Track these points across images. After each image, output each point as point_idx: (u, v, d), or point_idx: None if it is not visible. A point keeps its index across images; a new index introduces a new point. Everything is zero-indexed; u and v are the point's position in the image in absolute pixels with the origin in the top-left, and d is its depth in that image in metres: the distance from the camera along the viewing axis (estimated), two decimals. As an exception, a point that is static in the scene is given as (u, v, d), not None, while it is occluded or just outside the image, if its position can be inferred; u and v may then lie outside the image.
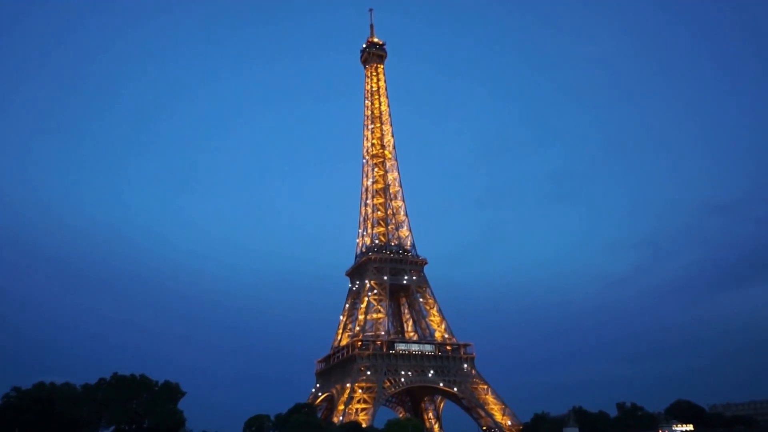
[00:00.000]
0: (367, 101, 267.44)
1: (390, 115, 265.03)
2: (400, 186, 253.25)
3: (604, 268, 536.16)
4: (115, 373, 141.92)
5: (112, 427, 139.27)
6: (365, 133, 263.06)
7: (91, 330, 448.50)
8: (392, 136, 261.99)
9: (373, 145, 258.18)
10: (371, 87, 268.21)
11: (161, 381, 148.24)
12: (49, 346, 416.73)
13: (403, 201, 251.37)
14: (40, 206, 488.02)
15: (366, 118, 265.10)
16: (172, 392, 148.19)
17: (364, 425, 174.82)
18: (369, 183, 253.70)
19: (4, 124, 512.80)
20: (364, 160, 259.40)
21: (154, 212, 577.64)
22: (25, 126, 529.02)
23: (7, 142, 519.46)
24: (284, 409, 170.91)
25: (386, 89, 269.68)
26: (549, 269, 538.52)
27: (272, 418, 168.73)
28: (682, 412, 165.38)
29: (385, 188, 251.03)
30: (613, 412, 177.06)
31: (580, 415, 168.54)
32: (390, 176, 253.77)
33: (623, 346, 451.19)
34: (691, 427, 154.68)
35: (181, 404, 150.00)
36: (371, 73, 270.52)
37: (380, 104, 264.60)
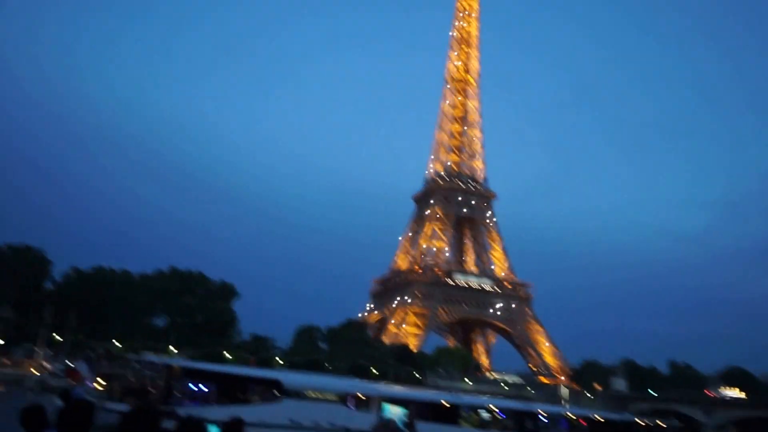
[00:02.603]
0: (456, 21, 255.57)
1: (479, 39, 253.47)
2: (480, 116, 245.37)
3: (675, 224, 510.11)
4: (172, 266, 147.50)
5: (166, 318, 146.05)
6: (450, 55, 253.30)
7: (155, 225, 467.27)
8: (478, 62, 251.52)
9: (457, 68, 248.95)
10: (463, 6, 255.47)
11: (218, 280, 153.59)
12: (110, 232, 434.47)
13: (481, 132, 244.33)
14: (126, 104, 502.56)
15: (452, 39, 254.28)
16: (227, 292, 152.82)
17: (413, 349, 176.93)
18: (448, 108, 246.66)
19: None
20: (446, 84, 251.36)
21: (232, 123, 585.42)
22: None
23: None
24: (335, 320, 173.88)
25: (479, 11, 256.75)
26: (618, 218, 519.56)
27: (323, 329, 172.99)
28: (734, 377, 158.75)
29: (464, 116, 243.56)
30: (663, 368, 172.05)
31: (629, 367, 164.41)
32: (470, 104, 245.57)
33: (682, 305, 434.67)
34: (740, 392, 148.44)
35: (235, 306, 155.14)
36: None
37: (470, 26, 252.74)
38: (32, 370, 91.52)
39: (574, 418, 51.18)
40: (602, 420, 52.09)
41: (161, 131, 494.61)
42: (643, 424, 53.93)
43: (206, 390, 43.14)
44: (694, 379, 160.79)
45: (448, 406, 45.68)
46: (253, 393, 39.74)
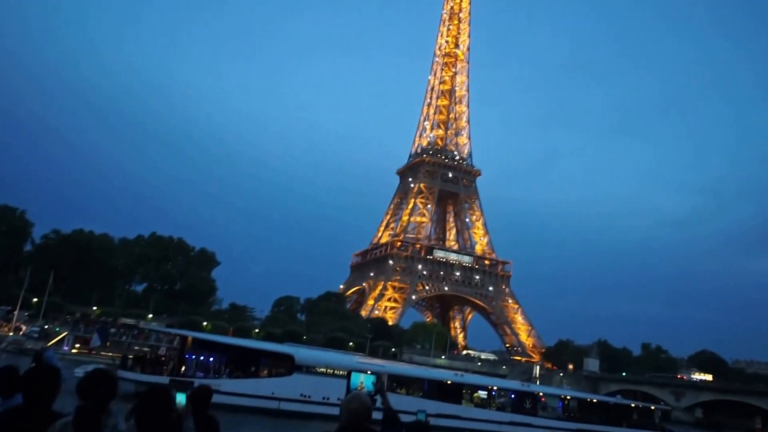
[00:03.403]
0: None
1: (470, 13, 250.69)
2: (467, 91, 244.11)
3: (660, 209, 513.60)
4: (154, 233, 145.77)
5: (145, 284, 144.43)
6: (440, 29, 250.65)
7: (139, 193, 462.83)
8: (468, 36, 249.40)
9: (447, 43, 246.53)
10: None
11: (198, 247, 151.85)
12: (94, 197, 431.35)
13: (468, 107, 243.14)
14: (112, 70, 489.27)
15: (444, 12, 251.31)
16: (207, 260, 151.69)
17: (390, 323, 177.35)
18: (436, 82, 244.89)
19: None
20: (435, 58, 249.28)
21: (220, 98, 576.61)
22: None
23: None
24: (315, 295, 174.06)
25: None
26: (604, 200, 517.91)
27: (302, 300, 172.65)
28: (704, 362, 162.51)
29: (452, 91, 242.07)
30: (637, 351, 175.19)
31: (603, 348, 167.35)
32: (458, 79, 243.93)
33: (662, 288, 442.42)
34: (710, 377, 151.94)
35: (215, 273, 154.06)
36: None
37: (461, 1, 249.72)
38: (8, 332, 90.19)
39: (569, 398, 51.91)
40: (595, 402, 52.84)
41: (145, 98, 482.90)
42: (633, 406, 54.77)
43: (214, 361, 43.16)
44: (665, 362, 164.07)
45: (451, 385, 46.05)
46: (264, 366, 39.61)
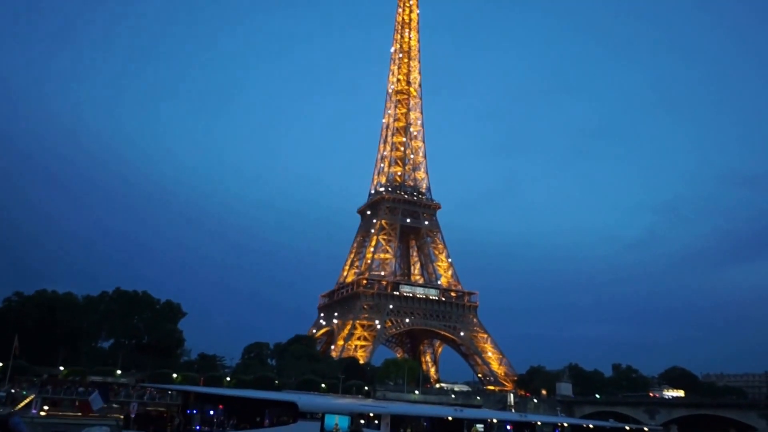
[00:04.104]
0: (396, 34, 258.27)
1: (419, 50, 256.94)
2: (422, 127, 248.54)
3: (619, 230, 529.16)
4: (118, 288, 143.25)
5: (112, 340, 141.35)
6: (391, 68, 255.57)
7: (99, 245, 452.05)
8: (419, 73, 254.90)
9: (398, 81, 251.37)
10: (402, 18, 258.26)
11: (164, 299, 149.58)
12: (56, 256, 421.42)
13: (423, 142, 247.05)
14: (59, 123, 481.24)
15: (394, 51, 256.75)
16: (173, 311, 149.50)
17: (361, 362, 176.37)
18: (390, 120, 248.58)
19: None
20: (388, 97, 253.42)
21: (170, 134, 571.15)
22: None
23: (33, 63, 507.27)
24: (284, 339, 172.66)
25: (418, 22, 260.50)
26: (563, 225, 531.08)
27: (271, 346, 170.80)
28: (675, 378, 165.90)
29: (407, 127, 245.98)
30: (608, 372, 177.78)
31: (575, 371, 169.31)
32: (412, 115, 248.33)
33: (627, 309, 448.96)
34: (682, 392, 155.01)
35: (182, 324, 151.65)
36: (404, 2, 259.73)
37: (410, 38, 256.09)
38: None
39: (567, 426, 52.60)
40: (591, 427, 53.71)
41: (95, 152, 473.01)
42: (628, 429, 55.91)
43: (216, 414, 42.42)
44: (637, 381, 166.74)
45: (453, 421, 46.16)
46: (269, 416, 39.16)
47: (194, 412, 42.46)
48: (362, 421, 40.02)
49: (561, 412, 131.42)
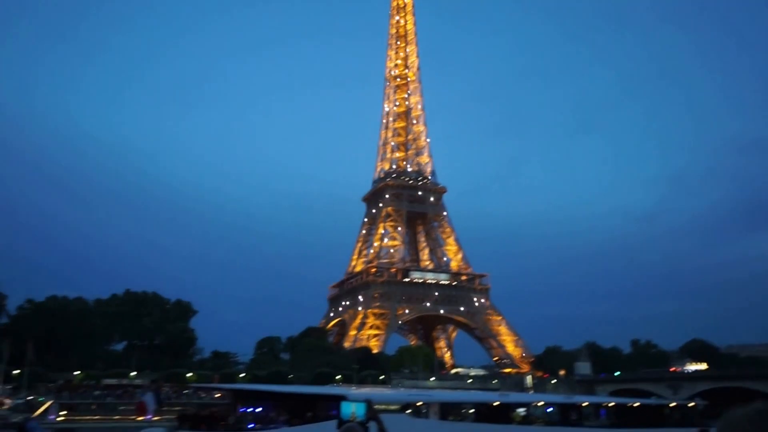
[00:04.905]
0: (392, 18, 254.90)
1: (416, 34, 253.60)
2: (423, 110, 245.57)
3: (627, 204, 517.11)
4: (128, 290, 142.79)
5: (125, 342, 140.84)
6: (389, 53, 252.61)
7: (109, 246, 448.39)
8: (417, 56, 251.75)
9: (396, 66, 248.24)
10: (397, 3, 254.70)
11: (173, 299, 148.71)
12: (65, 259, 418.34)
13: (425, 126, 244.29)
14: (71, 124, 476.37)
15: (390, 36, 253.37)
16: (183, 310, 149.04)
17: (375, 351, 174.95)
18: (391, 106, 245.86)
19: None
20: (387, 83, 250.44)
21: (172, 134, 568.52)
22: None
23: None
24: (296, 332, 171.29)
25: (413, 6, 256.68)
26: (571, 202, 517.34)
27: (283, 340, 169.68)
28: (696, 351, 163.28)
29: (407, 112, 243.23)
30: (627, 349, 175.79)
31: (592, 350, 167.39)
32: (412, 99, 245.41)
33: (642, 284, 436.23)
34: (704, 365, 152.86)
35: (193, 323, 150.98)
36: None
37: (406, 22, 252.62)
38: None
39: (611, 405, 51.02)
40: (637, 405, 52.09)
41: (95, 152, 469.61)
42: (674, 405, 54.12)
43: (266, 411, 41.64)
44: (657, 357, 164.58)
45: (499, 406, 44.67)
46: (321, 410, 38.30)
47: (243, 410, 42.41)
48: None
49: (579, 392, 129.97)
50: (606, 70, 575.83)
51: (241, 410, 42.76)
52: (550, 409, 49.17)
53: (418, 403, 39.30)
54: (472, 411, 44.21)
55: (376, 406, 37.78)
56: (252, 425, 39.31)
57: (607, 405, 50.94)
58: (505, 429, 42.83)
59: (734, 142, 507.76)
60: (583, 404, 49.28)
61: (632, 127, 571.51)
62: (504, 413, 44.41)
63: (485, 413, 43.56)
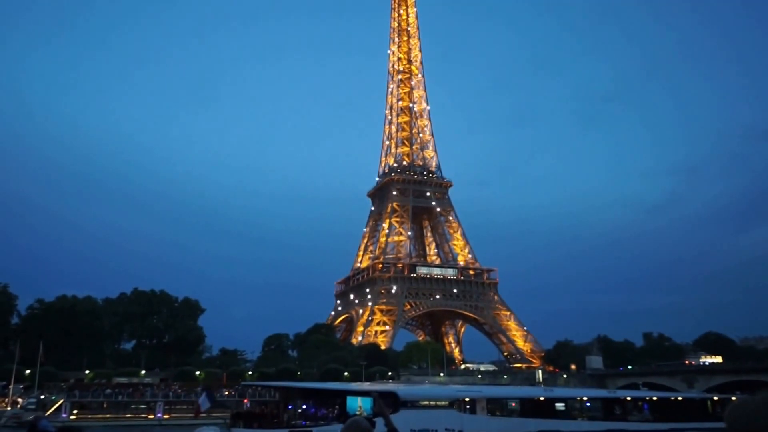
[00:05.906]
0: (394, 12, 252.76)
1: (418, 27, 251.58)
2: (427, 104, 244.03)
3: (638, 195, 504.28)
4: (136, 288, 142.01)
5: (134, 341, 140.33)
6: (391, 48, 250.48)
7: (117, 245, 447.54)
8: (420, 50, 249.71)
9: (399, 60, 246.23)
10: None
11: (181, 297, 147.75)
12: (73, 259, 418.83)
13: (429, 120, 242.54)
14: (71, 123, 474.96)
15: (392, 30, 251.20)
16: (191, 308, 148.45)
17: (383, 347, 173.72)
18: (394, 101, 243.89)
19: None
20: (390, 77, 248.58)
21: (176, 134, 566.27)
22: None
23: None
24: (303, 329, 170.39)
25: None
26: (579, 195, 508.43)
27: (291, 336, 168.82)
28: (711, 344, 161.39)
29: (411, 106, 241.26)
30: (639, 342, 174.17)
31: (604, 343, 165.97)
32: (416, 94, 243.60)
33: (653, 276, 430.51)
34: (719, 359, 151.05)
35: (201, 320, 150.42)
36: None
37: (408, 15, 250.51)
38: (6, 406, 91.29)
39: (655, 399, 50.07)
40: (680, 399, 51.11)
41: (95, 154, 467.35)
42: (716, 399, 53.05)
43: (317, 407, 41.12)
44: (670, 350, 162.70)
45: (544, 400, 43.93)
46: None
47: (292, 407, 42.27)
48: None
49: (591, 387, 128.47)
50: (603, 63, 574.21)
51: (289, 407, 42.38)
52: (589, 404, 48.12)
53: (466, 399, 39.03)
54: (513, 406, 43.64)
55: (430, 403, 37.11)
56: (304, 423, 39.11)
57: (650, 399, 49.91)
58: (551, 423, 42.19)
59: (751, 131, 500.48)
60: (627, 399, 48.22)
61: (628, 120, 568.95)
62: (549, 407, 43.66)
63: (530, 408, 42.88)
